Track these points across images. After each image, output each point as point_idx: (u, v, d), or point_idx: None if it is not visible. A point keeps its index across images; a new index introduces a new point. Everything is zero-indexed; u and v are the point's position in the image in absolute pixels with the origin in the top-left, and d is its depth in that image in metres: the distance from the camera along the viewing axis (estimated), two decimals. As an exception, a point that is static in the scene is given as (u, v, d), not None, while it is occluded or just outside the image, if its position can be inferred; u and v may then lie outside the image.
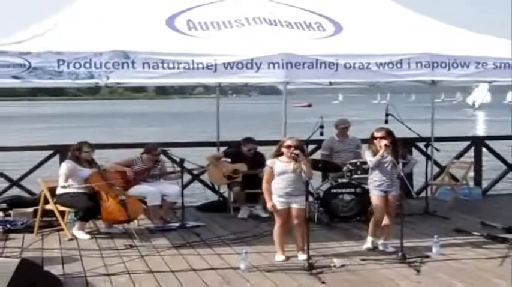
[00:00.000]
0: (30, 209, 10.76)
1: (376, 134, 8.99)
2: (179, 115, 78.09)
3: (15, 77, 8.54)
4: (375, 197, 9.04)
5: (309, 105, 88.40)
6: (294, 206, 8.40)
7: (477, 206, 12.23)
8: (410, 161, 9.69)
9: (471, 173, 13.68)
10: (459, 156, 14.13)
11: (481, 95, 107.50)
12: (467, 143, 14.49)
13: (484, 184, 14.31)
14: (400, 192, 9.16)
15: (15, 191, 12.50)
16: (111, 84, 9.20)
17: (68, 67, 8.58)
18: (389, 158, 8.86)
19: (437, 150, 13.02)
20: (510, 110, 58.48)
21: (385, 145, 8.80)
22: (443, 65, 9.61)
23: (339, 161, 11.60)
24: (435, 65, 9.55)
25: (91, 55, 8.64)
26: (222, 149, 12.59)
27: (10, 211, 10.98)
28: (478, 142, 14.42)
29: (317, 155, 12.55)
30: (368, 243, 9.11)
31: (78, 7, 10.58)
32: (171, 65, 8.81)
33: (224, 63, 8.91)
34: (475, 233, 10.00)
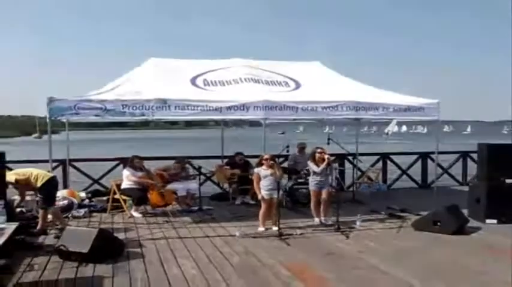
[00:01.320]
0: (105, 198, 10.71)
1: (318, 151, 9.06)
2: (199, 139, 77.86)
3: (96, 115, 8.66)
4: (312, 191, 9.10)
5: (283, 133, 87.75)
6: (274, 196, 8.43)
7: (384, 196, 12.19)
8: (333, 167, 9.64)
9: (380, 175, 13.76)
10: (373, 165, 14.18)
11: (392, 127, 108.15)
12: (378, 157, 14.56)
13: (389, 182, 14.36)
14: (337, 188, 9.22)
15: (95, 186, 12.46)
16: (156, 120, 9.29)
17: (128, 109, 8.67)
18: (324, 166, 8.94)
19: (360, 161, 13.11)
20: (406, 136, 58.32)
21: (328, 159, 8.86)
22: (363, 108, 9.71)
23: (299, 168, 11.62)
24: (358, 108, 9.64)
25: (143, 101, 8.73)
26: (225, 160, 12.60)
27: (93, 199, 10.98)
28: (384, 156, 14.47)
29: (285, 165, 12.56)
30: (316, 220, 9.11)
31: (135, 72, 10.64)
32: (193, 108, 8.88)
33: (226, 107, 8.99)
34: (383, 212, 10.05)
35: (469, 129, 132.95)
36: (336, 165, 9.98)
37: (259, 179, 8.48)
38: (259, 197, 8.50)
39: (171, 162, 11.47)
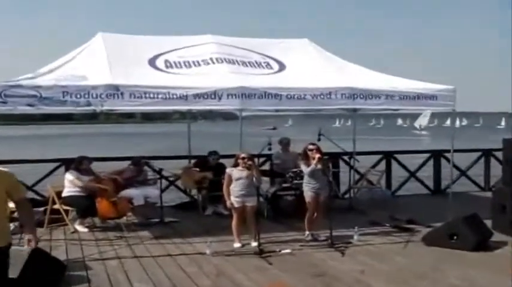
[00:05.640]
0: (41, 209, 10.55)
1: (310, 147, 9.06)
2: (160, 135, 77.53)
3: (29, 105, 8.44)
4: (309, 197, 9.04)
5: (275, 128, 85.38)
6: (248, 204, 8.44)
7: (387, 204, 12.25)
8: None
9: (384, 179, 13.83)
10: (374, 166, 14.25)
11: (423, 119, 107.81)
12: (380, 156, 14.63)
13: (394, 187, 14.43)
14: (329, 193, 9.23)
15: (30, 194, 12.26)
16: (106, 111, 9.16)
17: (70, 97, 8.49)
18: (319, 167, 8.92)
19: (357, 161, 13.12)
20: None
21: (319, 157, 8.85)
22: (361, 96, 9.69)
23: (283, 169, 11.61)
24: (355, 96, 9.63)
25: (89, 88, 8.58)
26: (193, 161, 12.51)
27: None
28: (388, 155, 14.55)
29: (266, 166, 12.52)
30: (308, 236, 9.11)
31: (79, 51, 10.47)
32: (151, 95, 8.76)
33: (193, 94, 8.88)
34: (386, 224, 10.14)
35: (503, 123, 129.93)
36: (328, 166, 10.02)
37: (229, 182, 8.50)
38: (228, 204, 8.55)
39: (126, 163, 11.36)
